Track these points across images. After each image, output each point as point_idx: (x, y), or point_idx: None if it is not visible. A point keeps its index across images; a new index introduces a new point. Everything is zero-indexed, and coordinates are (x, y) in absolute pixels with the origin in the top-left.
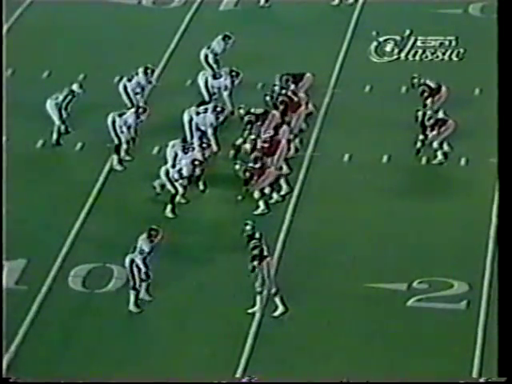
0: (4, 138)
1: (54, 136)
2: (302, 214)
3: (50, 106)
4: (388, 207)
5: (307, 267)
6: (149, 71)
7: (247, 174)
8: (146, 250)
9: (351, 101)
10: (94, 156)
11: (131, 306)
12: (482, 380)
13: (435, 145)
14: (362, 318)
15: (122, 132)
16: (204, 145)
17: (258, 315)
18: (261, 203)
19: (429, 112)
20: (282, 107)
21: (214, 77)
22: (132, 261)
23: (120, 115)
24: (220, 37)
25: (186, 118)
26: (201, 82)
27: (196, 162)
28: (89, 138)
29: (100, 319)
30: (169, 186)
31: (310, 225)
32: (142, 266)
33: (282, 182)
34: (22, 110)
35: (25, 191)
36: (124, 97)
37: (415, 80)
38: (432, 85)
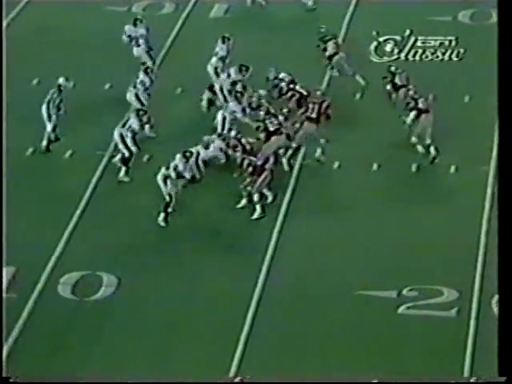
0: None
1: (44, 143)
2: (293, 221)
3: (44, 109)
4: (378, 214)
5: (297, 274)
6: (149, 70)
7: (245, 163)
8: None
9: (342, 106)
10: (83, 163)
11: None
12: (472, 380)
13: (428, 141)
14: (353, 326)
15: (127, 139)
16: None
17: (249, 318)
18: (258, 207)
19: (411, 92)
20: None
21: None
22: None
23: (123, 125)
24: (220, 40)
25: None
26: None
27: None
28: (78, 145)
29: (89, 327)
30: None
31: (301, 231)
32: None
33: (265, 190)
34: (12, 116)
35: (14, 198)
36: (136, 104)
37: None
38: (398, 82)
